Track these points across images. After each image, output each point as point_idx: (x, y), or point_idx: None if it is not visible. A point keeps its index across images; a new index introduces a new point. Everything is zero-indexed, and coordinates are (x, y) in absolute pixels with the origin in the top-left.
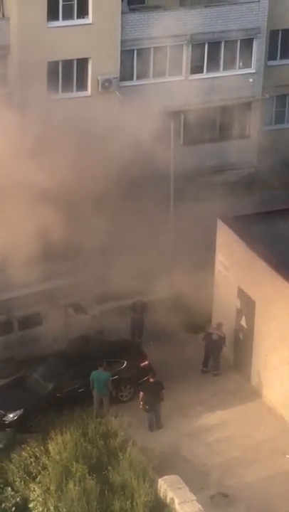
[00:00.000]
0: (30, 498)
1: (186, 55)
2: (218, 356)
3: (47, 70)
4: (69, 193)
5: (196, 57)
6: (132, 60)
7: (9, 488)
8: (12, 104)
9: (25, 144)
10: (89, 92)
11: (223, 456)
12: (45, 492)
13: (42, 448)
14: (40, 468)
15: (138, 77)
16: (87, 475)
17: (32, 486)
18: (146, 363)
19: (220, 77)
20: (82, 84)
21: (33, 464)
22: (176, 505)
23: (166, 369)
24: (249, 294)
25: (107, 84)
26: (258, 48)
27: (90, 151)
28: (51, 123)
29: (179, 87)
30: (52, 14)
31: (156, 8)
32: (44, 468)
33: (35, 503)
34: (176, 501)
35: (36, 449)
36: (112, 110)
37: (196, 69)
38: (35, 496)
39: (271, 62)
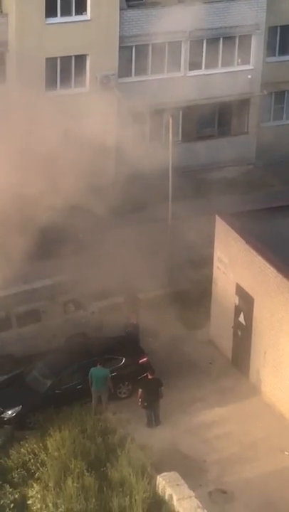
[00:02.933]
0: (29, 495)
1: (185, 51)
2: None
3: (45, 66)
4: (66, 189)
5: (195, 54)
6: (131, 56)
7: (7, 484)
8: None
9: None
10: (87, 88)
11: (222, 453)
12: (43, 489)
13: (40, 445)
14: (38, 464)
15: (136, 74)
16: (85, 472)
17: (30, 482)
18: (145, 359)
19: (218, 73)
20: (80, 81)
21: (32, 460)
22: (175, 502)
23: (165, 366)
24: (248, 291)
25: (105, 80)
26: (257, 45)
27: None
28: (48, 119)
29: (177, 83)
30: (50, 10)
31: (154, 4)
32: (42, 464)
33: (33, 499)
34: (175, 498)
35: (35, 446)
36: (111, 106)
37: (195, 65)
38: (34, 492)
39: (270, 59)
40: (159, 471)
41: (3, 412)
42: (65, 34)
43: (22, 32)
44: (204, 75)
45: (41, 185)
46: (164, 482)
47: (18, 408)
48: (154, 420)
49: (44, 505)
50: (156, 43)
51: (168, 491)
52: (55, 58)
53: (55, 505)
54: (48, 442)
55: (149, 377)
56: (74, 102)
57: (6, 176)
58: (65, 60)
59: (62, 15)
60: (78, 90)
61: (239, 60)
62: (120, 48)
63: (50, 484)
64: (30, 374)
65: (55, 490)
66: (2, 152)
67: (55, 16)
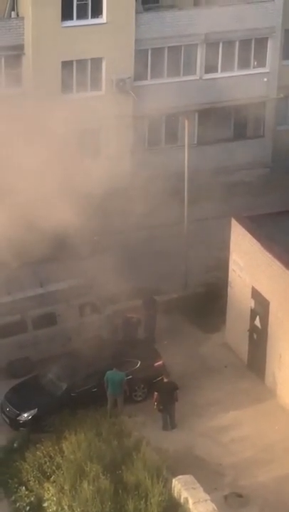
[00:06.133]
0: (45, 498)
1: (201, 54)
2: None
3: (61, 69)
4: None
5: (211, 57)
6: (147, 59)
7: (23, 487)
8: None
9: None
10: (103, 91)
11: (238, 456)
12: (59, 491)
13: (56, 447)
14: (54, 467)
15: (152, 77)
16: (101, 475)
17: (46, 485)
18: (160, 362)
19: (234, 76)
20: (96, 84)
21: (48, 463)
22: (190, 505)
23: (180, 369)
24: (263, 294)
25: (121, 84)
26: (273, 48)
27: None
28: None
29: (193, 86)
30: (66, 14)
31: (170, 7)
32: (58, 467)
33: (49, 502)
34: (190, 501)
35: (50, 449)
36: (126, 109)
37: (211, 68)
38: (50, 495)
39: (286, 62)
40: (175, 474)
41: (19, 415)
42: (81, 37)
43: (38, 35)
44: (220, 78)
45: (57, 187)
46: (179, 485)
47: (33, 411)
48: (169, 423)
49: (60, 508)
50: (172, 46)
51: (183, 494)
52: (71, 61)
53: (71, 507)
54: (63, 445)
55: (165, 380)
56: (90, 105)
57: (24, 179)
58: (81, 63)
59: (78, 18)
60: (94, 93)
61: (255, 63)
62: (136, 51)
63: (65, 487)
64: (46, 377)
65: (71, 493)
66: (20, 153)
67: (71, 19)
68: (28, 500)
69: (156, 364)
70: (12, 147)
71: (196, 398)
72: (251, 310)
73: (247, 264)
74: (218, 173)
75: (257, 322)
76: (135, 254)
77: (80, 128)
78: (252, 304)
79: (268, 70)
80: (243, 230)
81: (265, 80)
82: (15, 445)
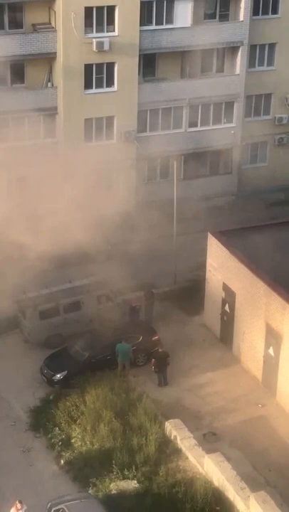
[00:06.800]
0: (72, 436)
1: (186, 113)
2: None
3: (84, 124)
4: (100, 214)
5: (193, 115)
6: (146, 117)
7: (57, 428)
8: (59, 152)
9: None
10: (114, 140)
11: (212, 406)
12: (83, 431)
13: (80, 399)
14: (79, 413)
15: (150, 130)
16: (113, 419)
17: (73, 426)
18: (156, 337)
19: (210, 129)
20: (109, 135)
21: (74, 410)
22: (178, 441)
23: (171, 342)
24: (231, 288)
25: (127, 135)
26: (238, 109)
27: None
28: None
29: (180, 137)
30: (88, 84)
31: (163, 79)
32: (82, 413)
33: (75, 439)
34: (178, 438)
35: (76, 400)
36: (131, 154)
37: (193, 123)
38: (76, 434)
39: (247, 119)
40: (167, 419)
41: (54, 375)
42: (98, 101)
43: (67, 99)
44: (200, 130)
45: (82, 211)
46: (170, 426)
47: (64, 372)
48: (163, 381)
49: (83, 443)
50: (165, 107)
51: (173, 433)
52: (92, 119)
53: (92, 443)
54: (86, 397)
55: (159, 350)
56: (105, 151)
57: (58, 206)
58: (99, 120)
59: (96, 87)
60: (108, 142)
61: (225, 120)
62: (139, 111)
63: (87, 428)
64: (73, 348)
65: (91, 432)
66: (55, 186)
67: (92, 88)
68: (60, 438)
69: (153, 338)
70: (49, 182)
71: (182, 363)
72: (222, 299)
73: (219, 266)
74: (198, 200)
75: (226, 308)
76: (138, 259)
77: (98, 167)
78: (223, 294)
79: (234, 125)
80: (217, 241)
81: (233, 132)
82: (51, 397)
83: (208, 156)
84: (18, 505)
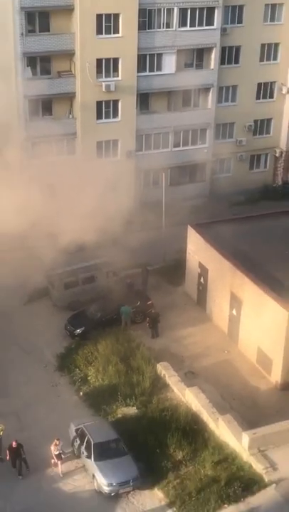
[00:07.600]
0: (88, 374)
1: (171, 137)
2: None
3: (96, 145)
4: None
5: (176, 139)
6: (142, 140)
7: (77, 369)
8: (78, 166)
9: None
10: (119, 157)
11: (192, 352)
12: (96, 371)
13: (94, 347)
14: (93, 358)
15: (145, 150)
16: (118, 362)
17: (89, 368)
18: (150, 302)
19: (189, 149)
20: (115, 153)
21: (90, 356)
22: (166, 378)
23: (161, 305)
24: (205, 265)
25: (129, 153)
26: (209, 133)
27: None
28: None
29: (167, 154)
30: (99, 115)
31: (155, 112)
32: (95, 358)
33: (91, 377)
34: (166, 376)
35: (91, 348)
36: (132, 168)
37: (177, 144)
38: (91, 373)
39: (217, 141)
40: (158, 361)
41: (74, 330)
42: (107, 128)
43: (84, 127)
44: (182, 150)
45: (95, 212)
46: (160, 367)
47: (82, 328)
48: (155, 334)
49: (97, 380)
50: (156, 133)
51: (162, 372)
52: (102, 141)
53: (103, 379)
54: (98, 346)
55: (153, 311)
56: (112, 165)
57: (76, 208)
58: (108, 142)
59: (105, 117)
60: (114, 159)
61: (200, 142)
62: (136, 135)
63: (100, 369)
64: (89, 310)
65: (103, 372)
66: (75, 192)
67: (102, 118)
68: (79, 376)
69: (148, 303)
70: (71, 187)
71: (169, 321)
72: (198, 274)
73: (196, 249)
74: (181, 201)
75: (202, 280)
76: (136, 244)
77: (107, 177)
78: (199, 270)
79: (207, 146)
80: (194, 231)
81: (206, 151)
82: (73, 346)
83: (188, 169)
84: (57, 442)
